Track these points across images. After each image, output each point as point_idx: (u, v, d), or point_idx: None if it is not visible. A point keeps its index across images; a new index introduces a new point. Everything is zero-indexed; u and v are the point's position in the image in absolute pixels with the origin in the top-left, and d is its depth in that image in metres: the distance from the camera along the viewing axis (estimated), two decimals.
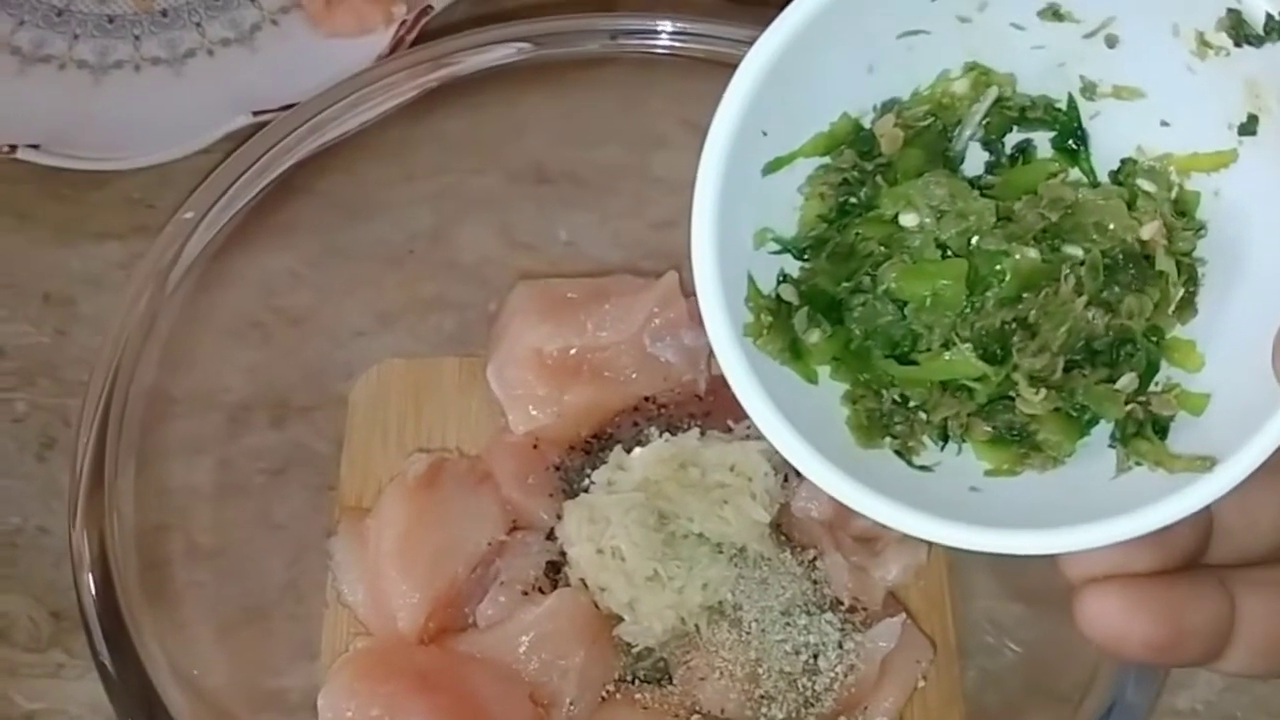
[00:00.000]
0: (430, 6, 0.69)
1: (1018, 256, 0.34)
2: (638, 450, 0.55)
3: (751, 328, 0.35)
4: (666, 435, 0.56)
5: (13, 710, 0.55)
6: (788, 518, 0.56)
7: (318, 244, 0.60)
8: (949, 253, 0.35)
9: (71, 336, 0.64)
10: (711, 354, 0.59)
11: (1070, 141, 0.37)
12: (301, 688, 0.53)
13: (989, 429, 0.35)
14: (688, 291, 0.60)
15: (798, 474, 0.56)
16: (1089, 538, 0.31)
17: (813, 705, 0.52)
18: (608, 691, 0.53)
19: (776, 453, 0.55)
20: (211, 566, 0.54)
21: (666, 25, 0.57)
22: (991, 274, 0.34)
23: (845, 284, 0.36)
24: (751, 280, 0.35)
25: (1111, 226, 0.35)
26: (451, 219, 0.63)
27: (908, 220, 0.35)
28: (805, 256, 0.36)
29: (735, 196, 0.34)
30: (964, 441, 0.36)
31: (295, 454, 0.59)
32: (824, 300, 0.36)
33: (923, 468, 0.35)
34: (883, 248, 0.35)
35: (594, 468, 0.56)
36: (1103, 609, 0.32)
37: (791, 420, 0.33)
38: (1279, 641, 0.34)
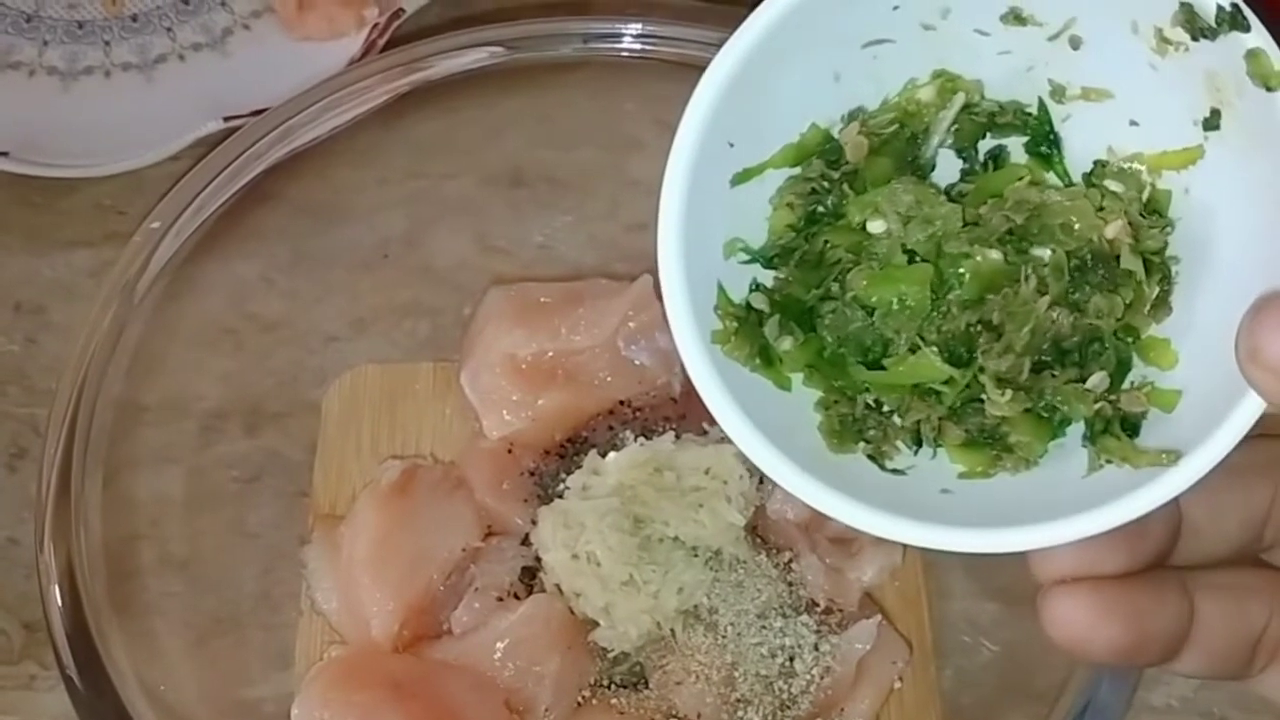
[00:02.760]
0: (402, 10, 0.68)
1: (979, 258, 0.34)
2: (612, 455, 0.55)
3: (720, 335, 0.35)
4: (641, 439, 0.55)
5: None
6: (763, 520, 0.56)
7: (290, 250, 0.59)
8: (917, 258, 0.35)
9: (42, 345, 0.63)
10: None
11: (1043, 146, 0.37)
12: (275, 697, 0.53)
13: (961, 432, 0.35)
14: (662, 295, 0.60)
15: None
16: (1058, 534, 0.31)
17: (789, 708, 0.52)
18: (583, 697, 0.53)
19: None
20: (184, 576, 0.53)
21: (638, 28, 0.57)
22: (955, 277, 0.34)
23: (815, 291, 0.36)
24: (722, 289, 0.35)
25: (1078, 227, 0.35)
26: (425, 223, 0.63)
27: (875, 227, 0.35)
28: (775, 265, 0.36)
29: (702, 207, 0.34)
30: (937, 445, 0.36)
31: (268, 462, 0.58)
32: (796, 308, 0.36)
33: (895, 471, 0.35)
34: (851, 255, 0.35)
35: (569, 472, 0.55)
36: (1071, 612, 0.32)
37: (762, 426, 0.33)
38: (1232, 647, 0.34)
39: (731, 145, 0.35)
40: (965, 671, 0.55)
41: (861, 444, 0.35)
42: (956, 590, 0.56)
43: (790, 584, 0.54)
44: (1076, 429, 0.35)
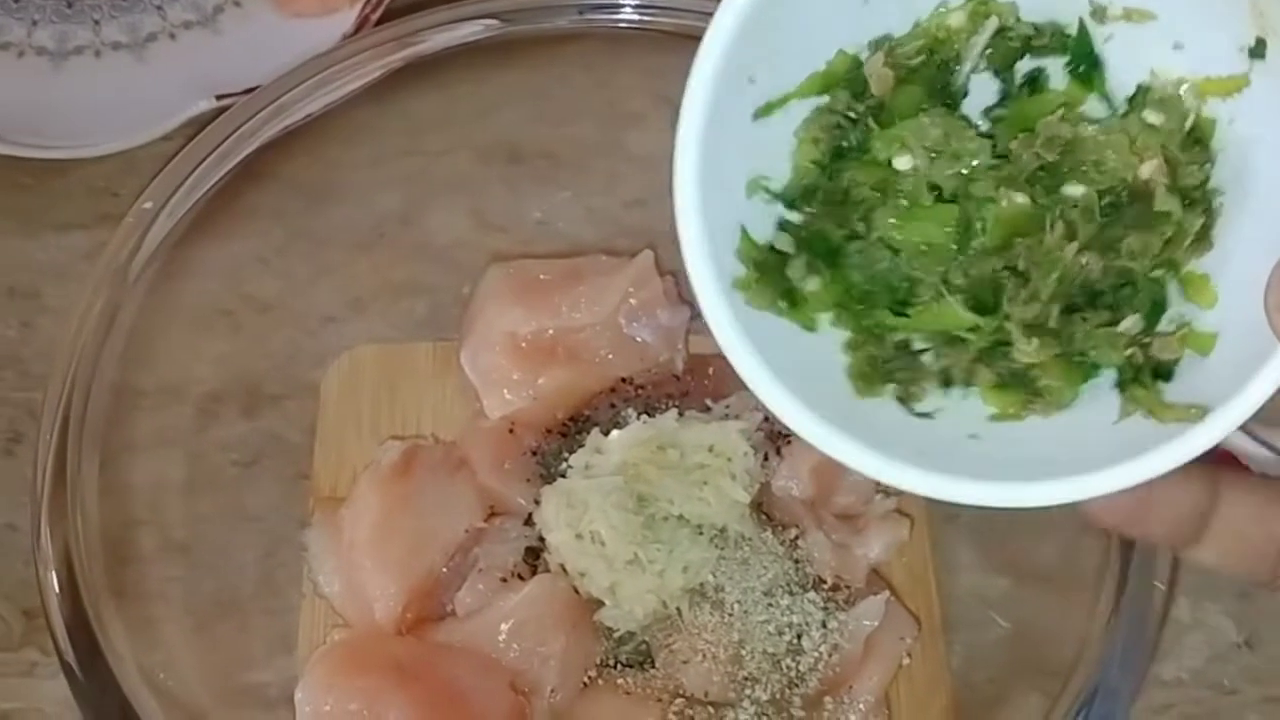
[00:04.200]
0: None
1: (1003, 203, 0.33)
2: (615, 433, 0.54)
3: (741, 281, 0.33)
4: (644, 417, 0.55)
5: None
6: (768, 497, 0.55)
7: (285, 229, 0.59)
8: (944, 195, 0.34)
9: (37, 329, 0.63)
10: (688, 333, 0.59)
11: (1084, 67, 0.35)
12: (279, 681, 0.52)
13: (992, 374, 0.34)
14: (663, 270, 0.59)
15: (778, 452, 0.56)
16: (1083, 489, 0.31)
17: (797, 686, 0.52)
18: (589, 677, 0.52)
19: (756, 431, 0.55)
20: (184, 561, 0.53)
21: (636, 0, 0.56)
22: (981, 221, 0.33)
23: (841, 230, 0.35)
24: (745, 232, 0.34)
25: (1111, 164, 0.33)
26: (421, 201, 0.62)
27: (901, 164, 0.34)
28: (798, 206, 0.35)
29: (721, 146, 0.33)
30: (968, 386, 0.34)
31: (267, 444, 0.58)
32: (824, 246, 0.35)
33: (924, 415, 0.34)
34: (877, 193, 0.34)
35: (571, 451, 0.55)
36: None
37: (784, 374, 0.32)
38: (1253, 545, 0.33)
39: (752, 81, 0.33)
40: (975, 648, 0.54)
41: (890, 386, 0.34)
42: (965, 565, 0.56)
43: (797, 561, 0.53)
44: (1111, 373, 0.34)
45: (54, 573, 0.44)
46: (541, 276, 0.58)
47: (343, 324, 0.61)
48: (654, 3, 0.56)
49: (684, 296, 0.60)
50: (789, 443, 0.56)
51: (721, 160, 0.33)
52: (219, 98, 0.64)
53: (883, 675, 0.52)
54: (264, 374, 0.59)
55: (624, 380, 0.58)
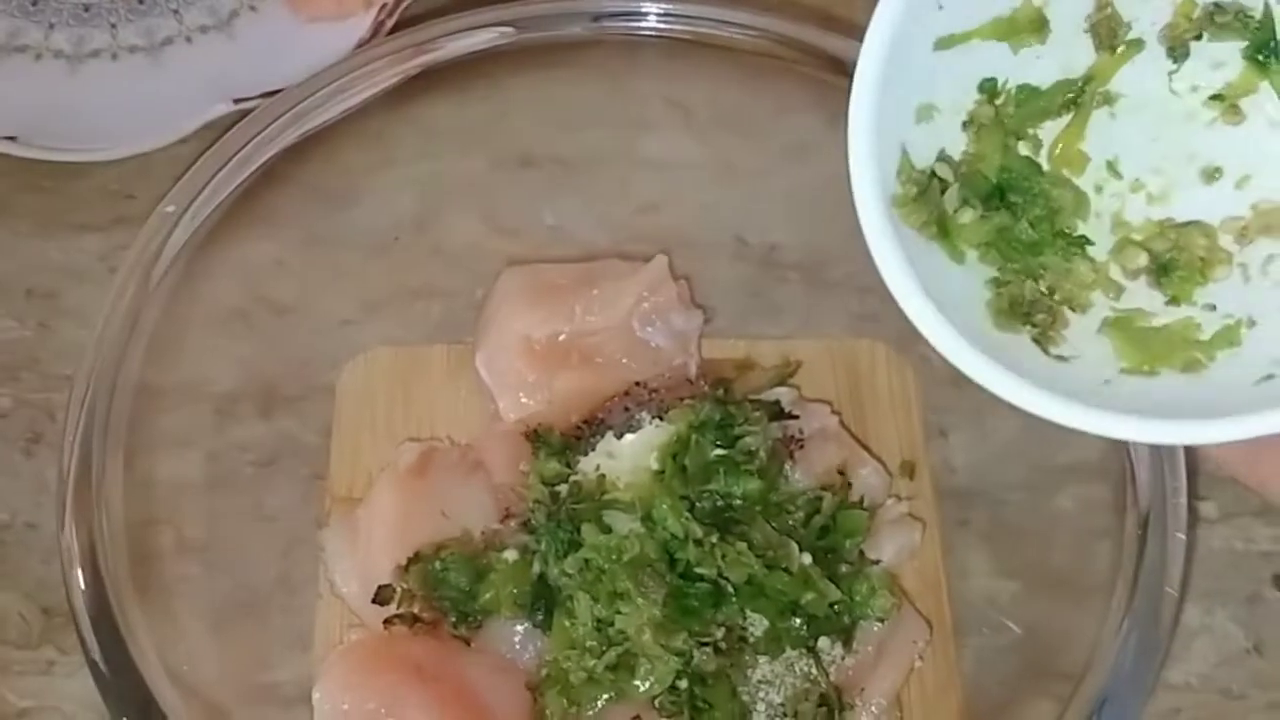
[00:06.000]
0: None
1: None
2: (629, 436, 0.54)
3: (899, 198, 0.34)
4: (657, 421, 0.55)
5: (5, 708, 0.55)
6: None
7: (301, 233, 0.59)
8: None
9: (55, 330, 0.63)
10: (701, 337, 0.60)
11: (1261, 54, 0.36)
12: (295, 680, 0.53)
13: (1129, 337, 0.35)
14: (676, 275, 0.60)
15: (791, 457, 0.56)
16: (1221, 432, 0.31)
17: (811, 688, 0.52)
18: None
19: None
20: (202, 560, 0.53)
21: (651, 7, 0.56)
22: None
23: (998, 173, 0.36)
24: (905, 152, 0.35)
25: None
26: (436, 205, 0.62)
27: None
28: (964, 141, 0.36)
29: (901, 66, 0.34)
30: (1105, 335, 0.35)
31: (284, 445, 0.58)
32: (982, 186, 0.36)
33: (1059, 358, 0.35)
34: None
35: (585, 454, 0.55)
36: None
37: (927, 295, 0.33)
38: None
39: (941, 7, 0.34)
40: (986, 651, 0.55)
41: (1028, 327, 0.35)
42: (976, 569, 0.56)
43: None
44: (1256, 337, 0.35)
45: (79, 569, 0.44)
46: (557, 280, 0.59)
47: (358, 326, 0.62)
48: (667, 11, 0.56)
49: (697, 301, 0.61)
50: (802, 447, 0.56)
51: (900, 79, 0.34)
52: (236, 101, 0.64)
53: (895, 678, 0.53)
54: (281, 375, 0.59)
55: (638, 384, 0.58)
